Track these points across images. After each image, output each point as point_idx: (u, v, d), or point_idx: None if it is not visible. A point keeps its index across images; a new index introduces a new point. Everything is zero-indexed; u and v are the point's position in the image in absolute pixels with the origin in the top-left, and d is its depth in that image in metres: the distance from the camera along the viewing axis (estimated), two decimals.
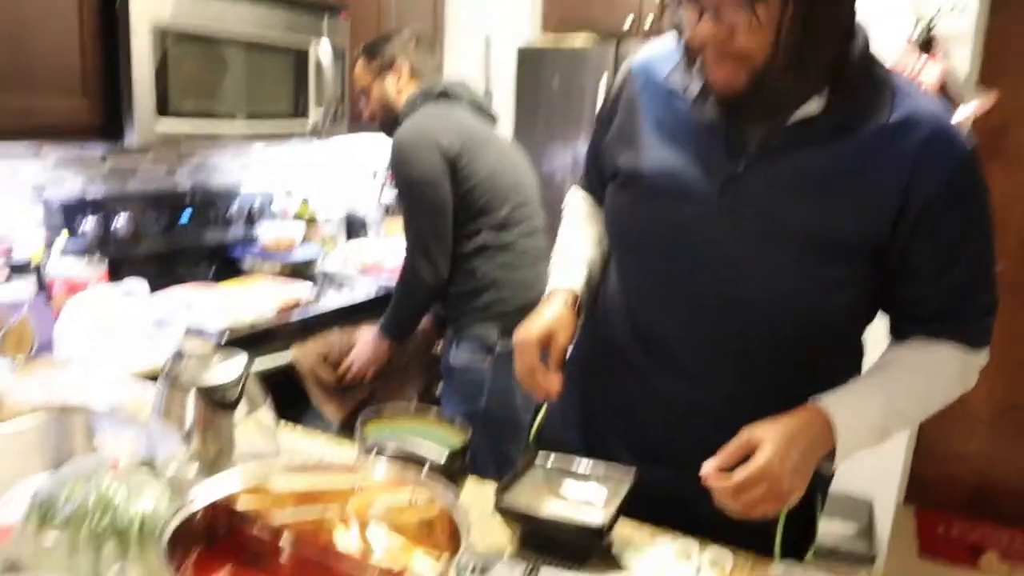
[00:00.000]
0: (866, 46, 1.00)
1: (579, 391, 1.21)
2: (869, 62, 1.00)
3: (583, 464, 1.09)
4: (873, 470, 2.67)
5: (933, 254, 1.00)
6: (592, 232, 1.25)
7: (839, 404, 0.99)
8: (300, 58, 2.34)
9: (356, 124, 2.57)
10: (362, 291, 2.51)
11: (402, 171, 1.98)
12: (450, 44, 3.21)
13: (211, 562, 0.81)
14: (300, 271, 2.62)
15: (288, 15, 2.27)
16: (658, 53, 1.13)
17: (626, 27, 2.89)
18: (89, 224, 2.16)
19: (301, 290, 2.32)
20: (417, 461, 0.91)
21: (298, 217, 2.88)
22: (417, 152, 1.95)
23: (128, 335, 1.76)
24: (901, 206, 0.97)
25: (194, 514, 0.80)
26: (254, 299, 2.18)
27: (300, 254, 2.65)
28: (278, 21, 2.24)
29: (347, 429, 2.02)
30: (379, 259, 2.76)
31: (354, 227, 3.12)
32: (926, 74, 2.25)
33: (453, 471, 0.98)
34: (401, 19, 2.87)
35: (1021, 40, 2.61)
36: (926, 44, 2.28)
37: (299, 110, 2.37)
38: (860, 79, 0.99)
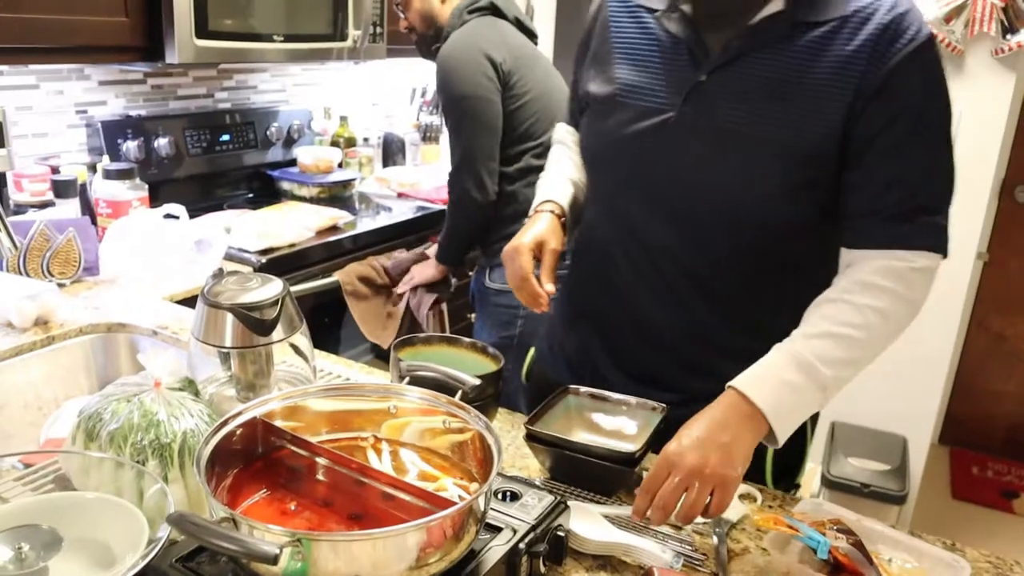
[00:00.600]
0: None
1: (567, 322, 1.24)
2: None
3: (614, 397, 1.09)
4: (907, 407, 2.65)
5: (884, 143, 0.96)
6: (577, 159, 1.25)
7: (750, 379, 0.93)
8: None
9: (394, 46, 2.54)
10: (399, 213, 2.51)
11: (452, 86, 1.92)
12: None
13: (248, 482, 0.84)
14: (338, 193, 2.63)
15: None
16: None
17: None
18: (131, 145, 2.18)
19: (339, 213, 2.33)
20: (449, 388, 0.92)
21: (337, 137, 2.87)
22: (468, 66, 1.89)
23: (169, 258, 1.79)
24: (854, 98, 0.95)
25: (231, 434, 0.82)
26: (292, 222, 2.19)
27: (337, 176, 2.65)
28: None
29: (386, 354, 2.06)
30: (416, 182, 2.76)
31: (391, 150, 3.11)
32: None
33: (485, 398, 0.99)
34: None
35: None
36: None
37: (337, 31, 2.34)
38: None
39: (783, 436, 0.93)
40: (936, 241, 0.98)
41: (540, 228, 1.11)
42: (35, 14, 1.68)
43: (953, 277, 2.45)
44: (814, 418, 1.15)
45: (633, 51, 1.09)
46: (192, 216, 1.96)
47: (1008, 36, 2.17)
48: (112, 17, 1.83)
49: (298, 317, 1.04)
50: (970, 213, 2.40)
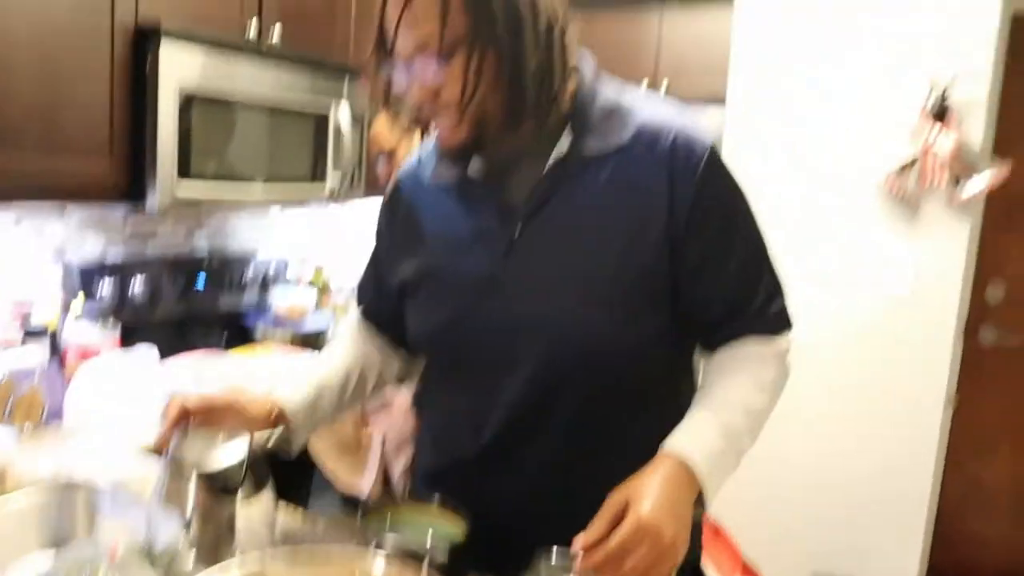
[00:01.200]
0: (593, 77, 1.04)
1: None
2: (596, 91, 1.03)
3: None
4: (887, 560, 2.59)
5: (706, 253, 1.01)
6: (347, 354, 1.24)
7: (687, 443, 0.95)
8: (320, 122, 2.39)
9: (372, 189, 2.60)
10: None
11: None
12: None
13: None
14: (311, 340, 2.63)
15: (310, 78, 2.32)
16: (420, 156, 1.18)
17: None
18: (106, 288, 2.19)
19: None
20: (417, 556, 0.89)
21: (312, 284, 2.90)
22: None
23: (137, 405, 1.76)
24: (668, 219, 0.99)
25: None
26: (264, 369, 2.17)
27: (312, 323, 2.65)
28: (300, 84, 2.29)
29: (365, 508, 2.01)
30: None
31: None
32: (940, 144, 2.26)
33: (456, 567, 0.95)
34: None
35: None
36: (940, 113, 2.29)
37: (317, 174, 2.41)
38: (591, 109, 1.02)
39: (711, 500, 0.95)
40: (787, 323, 1.07)
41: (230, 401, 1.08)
42: (22, 154, 1.72)
43: (923, 424, 2.46)
44: (699, 542, 1.15)
45: (441, 226, 1.11)
46: (164, 358, 1.95)
47: (960, 186, 2.28)
48: (96, 160, 1.87)
49: (265, 473, 1.02)
50: (935, 359, 2.43)
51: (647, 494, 0.88)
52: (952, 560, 3.05)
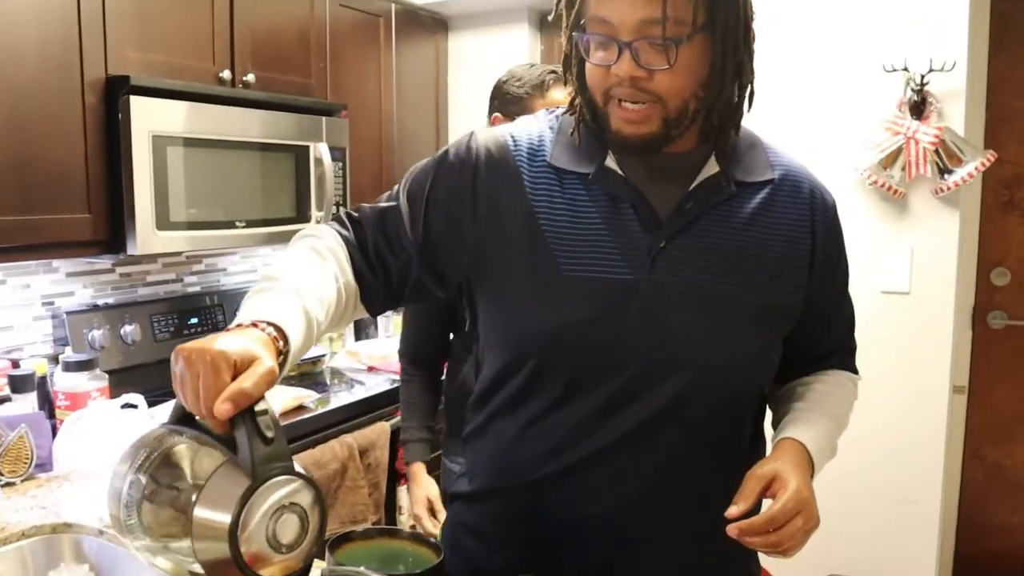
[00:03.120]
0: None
1: (493, 548, 1.09)
2: (738, 120, 1.02)
3: None
4: (912, 550, 2.54)
5: (831, 296, 1.10)
6: (329, 285, 0.96)
7: (805, 433, 1.02)
8: (300, 162, 2.39)
9: None
10: (371, 387, 2.49)
11: None
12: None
13: None
14: (307, 370, 2.62)
15: (287, 119, 2.33)
16: (540, 132, 1.04)
17: None
18: (96, 334, 2.19)
19: (304, 393, 2.31)
20: None
21: None
22: None
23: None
24: (808, 265, 1.03)
25: None
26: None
27: (308, 353, 2.64)
28: (278, 126, 2.30)
29: None
30: (386, 355, 2.75)
31: (362, 324, 3.13)
32: (921, 136, 2.23)
33: None
34: (402, 117, 2.93)
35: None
36: (919, 104, 2.27)
37: (300, 213, 2.41)
38: (735, 138, 1.02)
39: None
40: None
41: (253, 347, 0.76)
42: None
43: (929, 415, 2.42)
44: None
45: (568, 216, 0.98)
46: (159, 401, 1.94)
47: (945, 176, 2.26)
48: (75, 215, 1.88)
49: None
50: (937, 346, 2.40)
51: (795, 471, 0.94)
52: (979, 550, 2.98)
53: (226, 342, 0.74)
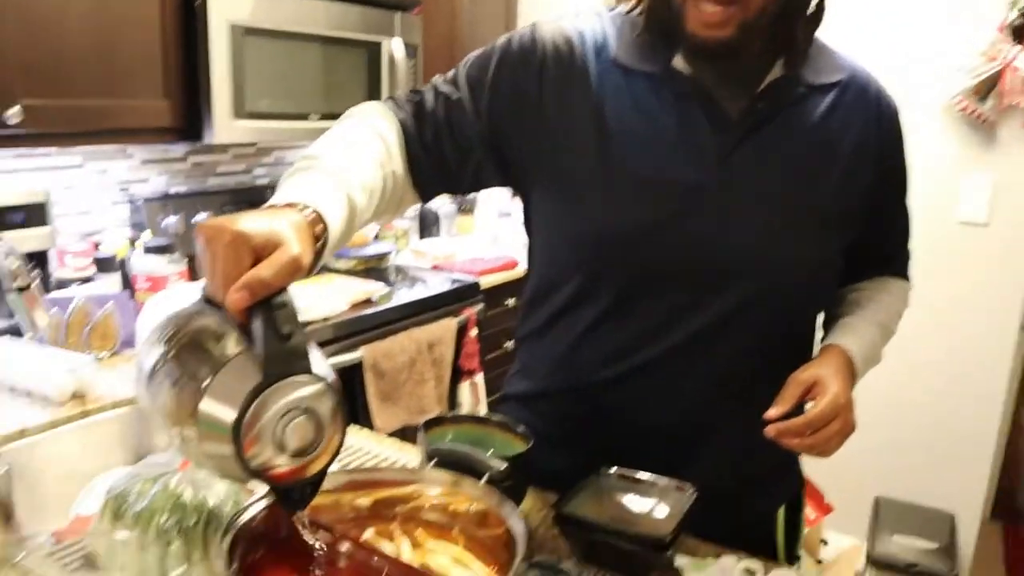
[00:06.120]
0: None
1: (554, 446, 1.08)
2: (814, 28, 1.01)
3: (644, 478, 1.06)
4: (955, 482, 2.56)
5: (892, 203, 1.12)
6: (374, 173, 0.91)
7: (851, 342, 1.04)
8: (373, 56, 2.37)
9: None
10: (433, 286, 2.53)
11: None
12: None
13: (271, 565, 0.82)
14: (374, 266, 2.66)
15: (361, 12, 2.30)
16: (605, 28, 1.01)
17: None
18: (171, 221, 2.24)
19: (373, 287, 2.36)
20: (476, 470, 0.90)
21: None
22: None
23: None
24: (875, 168, 1.03)
25: (256, 517, 0.81)
26: (327, 295, 2.22)
27: (373, 249, 2.68)
28: (351, 19, 2.28)
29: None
30: (451, 254, 2.78)
31: (427, 222, 3.15)
32: (1021, 63, 2.13)
33: (514, 482, 0.97)
34: (475, 15, 2.87)
35: None
36: (1019, 30, 2.15)
37: None
38: (805, 41, 1.00)
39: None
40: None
41: (282, 231, 0.67)
42: (80, 100, 1.75)
43: (996, 349, 2.39)
44: (801, 488, 1.19)
45: (633, 116, 0.97)
46: None
47: None
48: (153, 102, 1.90)
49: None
50: (1012, 281, 2.35)
51: (836, 377, 0.96)
52: (1021, 486, 2.99)
53: (251, 223, 0.65)
